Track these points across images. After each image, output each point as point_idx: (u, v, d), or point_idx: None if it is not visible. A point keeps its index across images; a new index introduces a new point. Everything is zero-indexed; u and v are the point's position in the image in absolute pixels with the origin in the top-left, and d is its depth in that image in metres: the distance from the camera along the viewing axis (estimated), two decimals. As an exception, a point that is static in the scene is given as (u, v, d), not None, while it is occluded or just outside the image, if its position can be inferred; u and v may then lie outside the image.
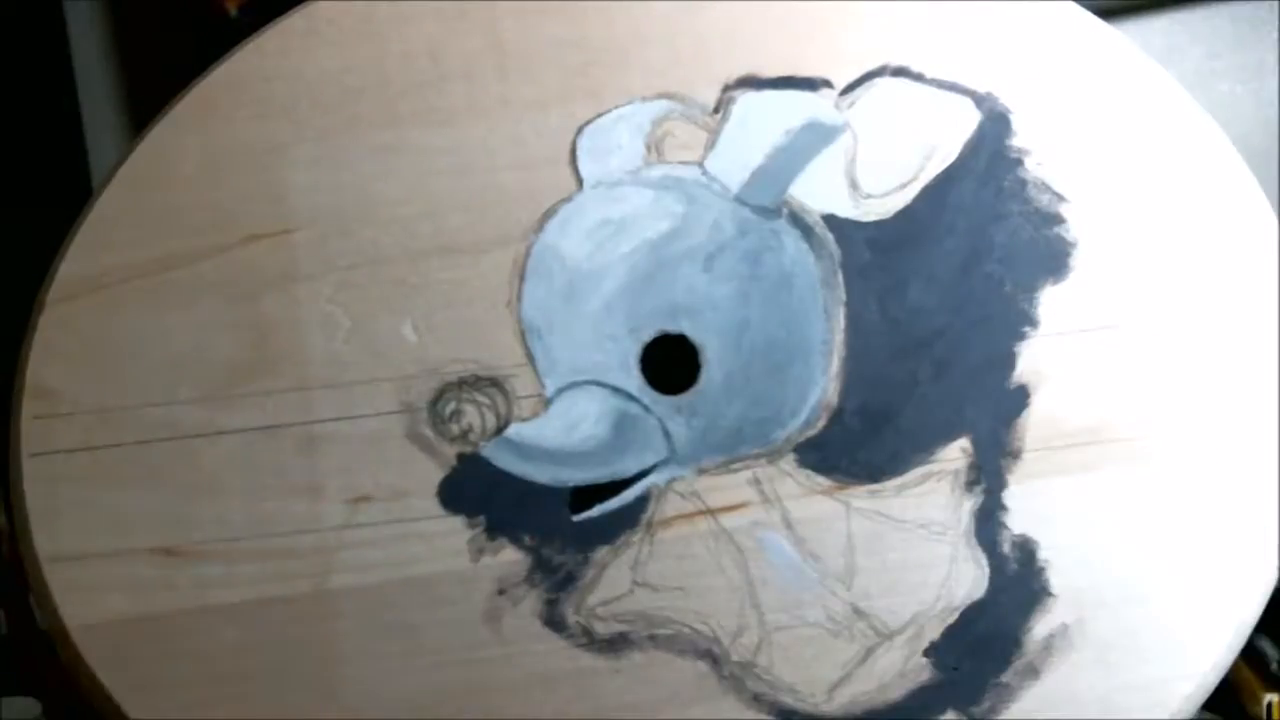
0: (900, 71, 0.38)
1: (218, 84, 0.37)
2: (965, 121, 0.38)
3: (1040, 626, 0.35)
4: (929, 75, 0.38)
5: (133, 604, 0.33)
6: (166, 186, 0.36)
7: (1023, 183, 0.38)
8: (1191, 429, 0.36)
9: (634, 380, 0.36)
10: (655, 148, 0.38)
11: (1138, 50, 0.39)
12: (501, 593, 0.34)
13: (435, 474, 0.35)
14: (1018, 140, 0.38)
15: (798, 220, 0.37)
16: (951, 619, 0.35)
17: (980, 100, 0.38)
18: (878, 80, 0.38)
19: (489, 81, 0.38)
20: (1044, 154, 0.38)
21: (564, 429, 0.35)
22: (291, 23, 0.38)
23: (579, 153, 0.37)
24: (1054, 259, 0.37)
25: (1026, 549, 0.35)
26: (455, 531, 0.34)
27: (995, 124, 0.38)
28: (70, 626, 0.33)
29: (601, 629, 0.34)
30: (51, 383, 0.35)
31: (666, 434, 0.35)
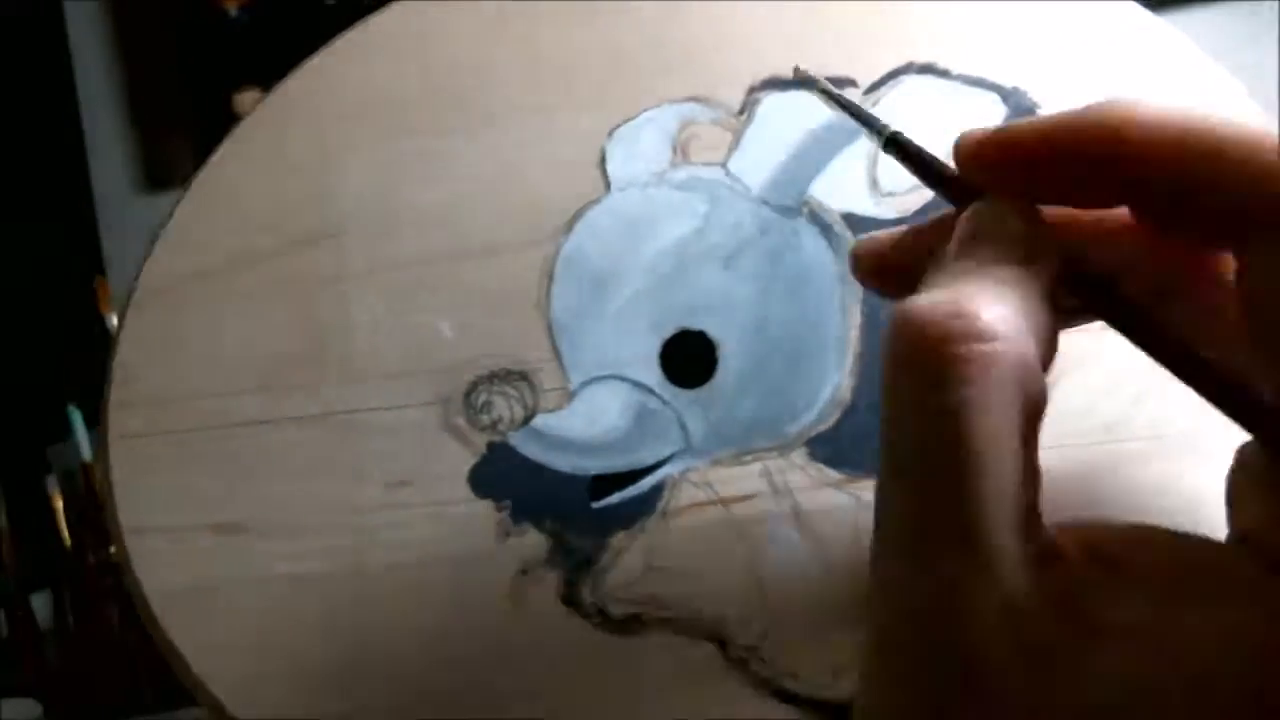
0: (926, 68, 0.39)
1: (279, 101, 0.40)
2: (991, 117, 0.38)
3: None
4: (955, 71, 0.38)
5: (196, 573, 0.37)
6: (233, 196, 0.40)
7: (1050, 178, 0.37)
8: (1206, 428, 0.35)
9: (654, 375, 0.38)
10: (681, 149, 0.39)
11: (1184, 41, 0.38)
12: (524, 572, 0.36)
13: (467, 461, 0.37)
14: (1047, 134, 0.38)
15: (817, 218, 0.38)
16: (962, 611, 0.35)
17: (1007, 95, 0.38)
18: (904, 78, 0.39)
19: (526, 88, 0.40)
20: (1071, 148, 0.38)
21: (587, 420, 0.38)
22: (351, 38, 0.41)
23: (608, 156, 0.39)
24: (1081, 254, 0.37)
25: (1038, 545, 0.35)
26: (483, 514, 0.37)
27: (1021, 119, 0.38)
28: (147, 592, 0.37)
29: (616, 609, 0.36)
30: (134, 373, 0.39)
31: (683, 426, 0.37)
